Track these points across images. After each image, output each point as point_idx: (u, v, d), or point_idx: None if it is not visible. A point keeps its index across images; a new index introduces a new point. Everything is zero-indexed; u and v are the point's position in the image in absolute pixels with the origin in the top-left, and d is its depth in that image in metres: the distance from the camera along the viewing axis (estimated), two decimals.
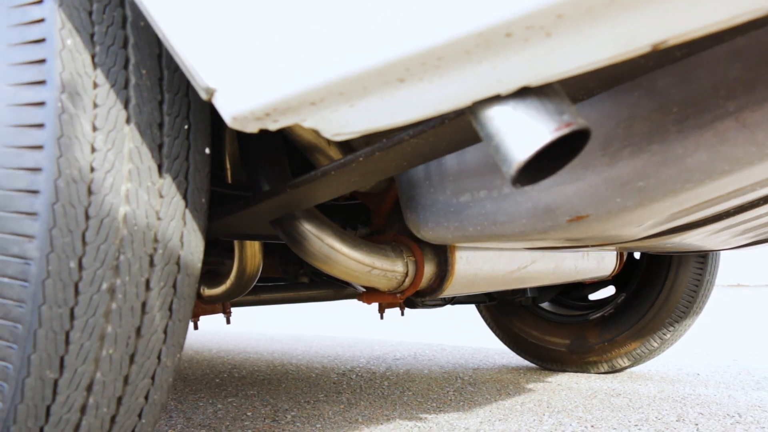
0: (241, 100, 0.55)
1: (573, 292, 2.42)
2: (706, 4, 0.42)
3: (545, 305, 2.39)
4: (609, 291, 2.33)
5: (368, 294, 1.32)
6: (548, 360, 2.35)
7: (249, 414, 1.71)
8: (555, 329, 2.32)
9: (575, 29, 0.44)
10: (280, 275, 1.97)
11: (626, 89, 0.74)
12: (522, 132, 0.50)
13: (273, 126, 0.58)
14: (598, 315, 2.23)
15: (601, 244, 1.02)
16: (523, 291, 2.10)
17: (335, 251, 1.04)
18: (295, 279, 1.93)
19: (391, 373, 2.38)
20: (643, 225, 0.87)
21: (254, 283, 1.53)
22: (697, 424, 1.49)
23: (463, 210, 0.86)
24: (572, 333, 2.26)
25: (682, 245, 1.22)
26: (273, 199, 0.90)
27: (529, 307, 2.37)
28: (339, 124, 0.57)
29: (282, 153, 1.06)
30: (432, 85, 0.51)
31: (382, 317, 2.12)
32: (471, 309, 5.72)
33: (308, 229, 1.02)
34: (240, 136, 1.11)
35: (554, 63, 0.48)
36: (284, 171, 1.04)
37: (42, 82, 0.60)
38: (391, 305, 2.02)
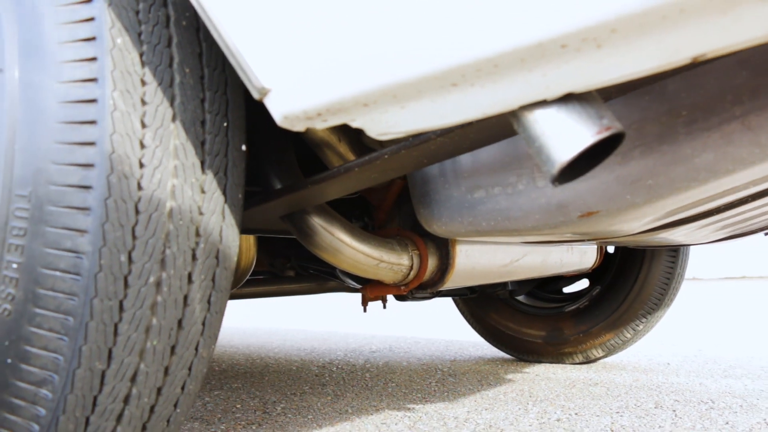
0: (295, 101, 0.57)
1: (549, 285, 2.48)
2: (749, 21, 0.46)
3: (521, 298, 2.45)
4: (583, 284, 2.40)
5: (372, 287, 1.35)
6: (524, 351, 2.41)
7: (239, 406, 1.72)
8: (531, 321, 2.38)
9: (625, 42, 0.48)
10: (265, 268, 1.99)
11: (638, 93, 0.78)
12: (565, 135, 0.54)
13: (321, 125, 0.60)
14: (573, 307, 2.29)
15: (602, 238, 1.07)
16: (504, 284, 2.15)
17: (345, 245, 1.06)
18: (282, 272, 1.95)
19: (371, 365, 2.42)
20: (644, 221, 0.92)
21: (248, 277, 1.54)
22: (674, 411, 1.56)
23: (477, 206, 0.90)
24: (548, 325, 2.33)
25: (667, 240, 1.28)
26: (290, 195, 0.92)
27: (506, 300, 2.43)
28: (387, 124, 0.59)
29: (291, 150, 1.08)
30: (483, 90, 0.54)
31: (365, 310, 2.15)
32: (438, 303, 5.79)
33: (319, 223, 1.04)
34: (247, 133, 1.12)
35: (600, 72, 0.51)
36: (294, 168, 1.06)
37: (94, 80, 0.61)
38: (375, 298, 2.05)
